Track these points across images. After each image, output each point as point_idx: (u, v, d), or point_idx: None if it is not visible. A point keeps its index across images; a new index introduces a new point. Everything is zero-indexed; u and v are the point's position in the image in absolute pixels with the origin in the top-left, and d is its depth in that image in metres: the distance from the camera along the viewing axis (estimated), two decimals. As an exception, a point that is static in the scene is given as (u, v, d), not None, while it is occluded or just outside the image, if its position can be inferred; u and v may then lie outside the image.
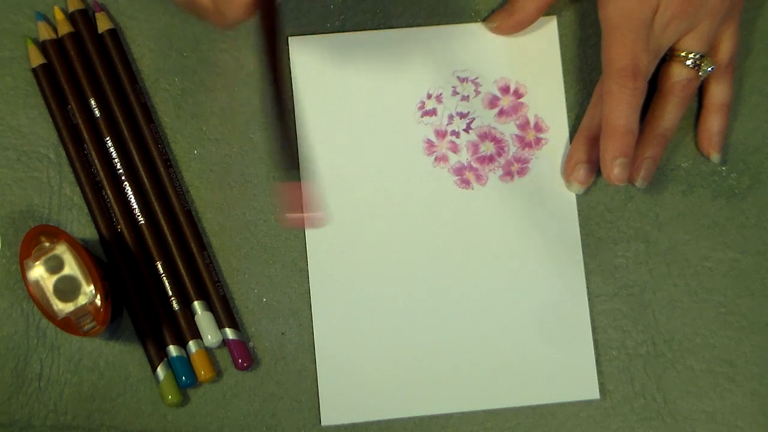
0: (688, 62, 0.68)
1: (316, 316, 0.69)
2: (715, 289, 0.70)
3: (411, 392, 0.68)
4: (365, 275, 0.69)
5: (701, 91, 0.71)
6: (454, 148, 0.71)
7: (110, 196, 0.68)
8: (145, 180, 0.69)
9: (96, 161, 0.69)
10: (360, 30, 0.71)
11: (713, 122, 0.71)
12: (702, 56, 0.68)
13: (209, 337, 0.67)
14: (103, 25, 0.70)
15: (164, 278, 0.68)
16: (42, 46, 0.70)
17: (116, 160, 0.69)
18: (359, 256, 0.69)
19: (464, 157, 0.71)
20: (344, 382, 0.68)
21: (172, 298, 0.68)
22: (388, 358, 0.69)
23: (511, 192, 0.71)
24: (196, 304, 0.68)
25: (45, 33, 0.70)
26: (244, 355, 0.68)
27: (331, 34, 0.71)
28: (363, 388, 0.68)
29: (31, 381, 0.68)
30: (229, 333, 0.68)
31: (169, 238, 0.68)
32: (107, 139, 0.69)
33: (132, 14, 0.71)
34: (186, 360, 0.67)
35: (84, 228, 0.69)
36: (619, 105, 0.66)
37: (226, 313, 0.68)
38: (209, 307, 0.68)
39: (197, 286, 0.68)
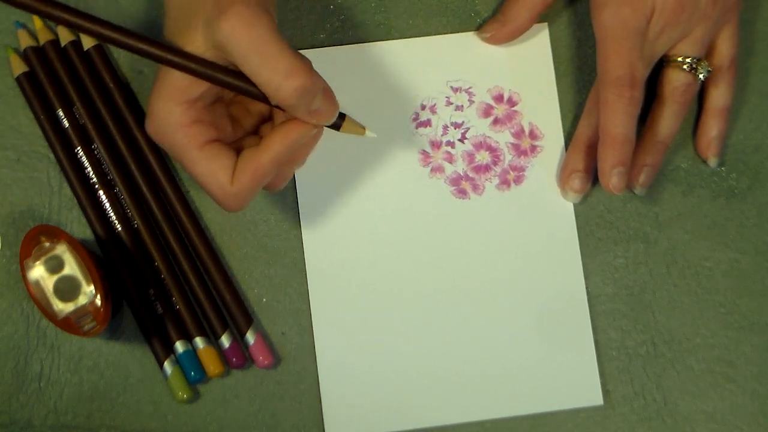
0: (685, 66, 0.68)
1: (316, 320, 0.69)
2: (715, 289, 0.70)
3: (411, 403, 0.68)
4: (364, 289, 0.69)
5: (701, 94, 0.71)
6: (450, 159, 0.71)
7: (106, 198, 0.68)
8: (141, 181, 0.69)
9: (90, 165, 0.68)
10: (359, 29, 0.71)
11: (712, 126, 0.71)
12: (698, 60, 0.68)
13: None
14: None
15: (166, 276, 0.68)
16: (24, 54, 0.70)
17: (109, 163, 0.68)
18: (358, 270, 0.69)
19: (460, 167, 0.71)
20: (347, 395, 0.68)
21: (174, 297, 0.68)
22: (387, 371, 0.68)
23: (508, 200, 0.71)
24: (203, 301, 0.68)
25: (25, 40, 0.70)
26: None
27: (324, 48, 0.71)
28: (366, 401, 0.68)
29: (31, 381, 0.68)
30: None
31: (170, 237, 0.68)
32: (97, 143, 0.69)
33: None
34: (194, 355, 0.67)
35: (84, 228, 0.69)
36: (617, 114, 0.66)
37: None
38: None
39: (204, 288, 0.68)
